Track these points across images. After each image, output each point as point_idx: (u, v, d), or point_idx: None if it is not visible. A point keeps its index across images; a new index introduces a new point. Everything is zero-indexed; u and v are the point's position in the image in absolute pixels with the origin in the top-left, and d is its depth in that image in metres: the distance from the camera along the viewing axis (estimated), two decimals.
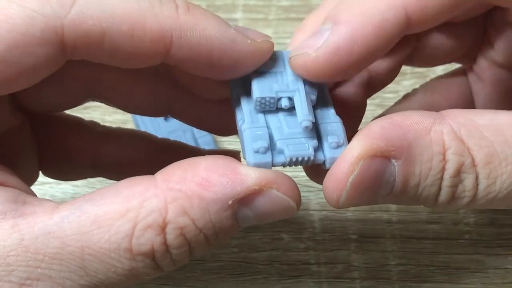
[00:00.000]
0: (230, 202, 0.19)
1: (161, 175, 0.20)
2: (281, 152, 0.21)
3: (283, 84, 0.21)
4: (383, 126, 0.20)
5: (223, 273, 0.31)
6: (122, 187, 0.20)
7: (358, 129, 0.22)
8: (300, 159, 0.21)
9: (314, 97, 0.22)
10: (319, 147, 0.21)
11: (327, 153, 0.21)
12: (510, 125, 0.20)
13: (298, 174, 0.29)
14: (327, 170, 0.20)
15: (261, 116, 0.21)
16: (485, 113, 0.20)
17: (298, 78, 0.22)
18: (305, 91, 0.21)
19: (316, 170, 0.22)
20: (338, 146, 0.21)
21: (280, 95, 0.21)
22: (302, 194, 0.33)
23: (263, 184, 0.19)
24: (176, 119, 0.27)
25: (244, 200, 0.19)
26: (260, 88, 0.21)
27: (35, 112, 0.26)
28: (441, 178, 0.20)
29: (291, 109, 0.21)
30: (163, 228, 0.19)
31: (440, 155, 0.19)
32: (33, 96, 0.25)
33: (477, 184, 0.20)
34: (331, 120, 0.22)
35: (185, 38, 0.21)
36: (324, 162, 0.21)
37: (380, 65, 0.26)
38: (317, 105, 0.22)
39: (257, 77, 0.22)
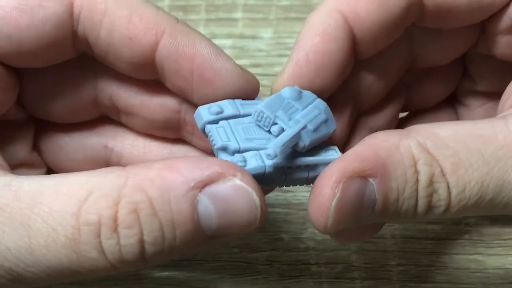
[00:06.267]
0: (192, 184, 0.19)
1: (130, 165, 0.20)
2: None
3: (286, 115, 0.22)
4: (355, 149, 0.21)
5: (223, 273, 0.31)
6: (94, 170, 0.20)
7: None
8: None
9: (303, 145, 0.22)
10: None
11: (223, 157, 0.21)
12: (472, 134, 0.21)
13: None
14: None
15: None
16: (448, 124, 0.21)
17: (302, 121, 0.22)
18: (299, 135, 0.22)
19: None
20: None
21: (277, 120, 0.22)
22: (302, 194, 0.33)
23: (227, 169, 0.19)
24: (187, 140, 0.27)
25: (207, 184, 0.19)
26: (268, 104, 0.22)
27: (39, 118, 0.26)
28: (417, 189, 0.20)
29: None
30: (116, 202, 0.18)
31: (412, 168, 0.20)
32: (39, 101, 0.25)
33: (450, 193, 0.20)
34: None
35: (174, 37, 0.23)
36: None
37: (380, 118, 0.28)
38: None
39: (278, 97, 0.23)
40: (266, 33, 0.40)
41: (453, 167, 0.20)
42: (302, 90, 0.23)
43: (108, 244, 0.19)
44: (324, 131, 0.23)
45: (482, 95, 0.29)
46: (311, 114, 0.22)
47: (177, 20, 0.23)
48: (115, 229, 0.18)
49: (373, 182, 0.20)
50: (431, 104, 0.30)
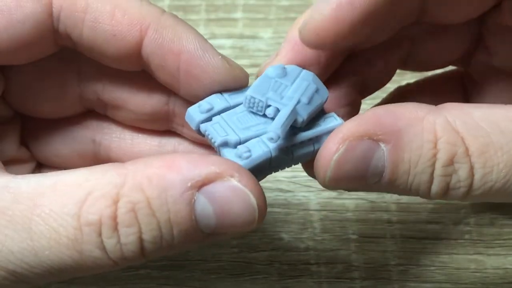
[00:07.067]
0: (189, 184, 0.19)
1: (130, 160, 0.20)
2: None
3: (277, 94, 0.22)
4: (376, 112, 0.20)
5: (223, 273, 0.31)
6: (93, 166, 0.20)
7: None
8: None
9: (301, 119, 0.22)
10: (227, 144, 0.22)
11: (226, 153, 0.21)
12: (506, 116, 0.20)
13: (298, 174, 0.29)
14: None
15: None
16: (481, 106, 0.21)
17: (295, 96, 0.22)
18: (296, 111, 0.21)
19: (311, 163, 0.22)
20: (245, 158, 0.21)
21: (270, 102, 0.22)
22: (302, 194, 0.33)
23: (225, 169, 0.19)
24: (177, 132, 0.26)
25: (204, 184, 0.19)
26: (256, 88, 0.22)
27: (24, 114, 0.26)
28: (433, 166, 0.20)
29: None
30: (115, 201, 0.18)
31: (430, 143, 0.20)
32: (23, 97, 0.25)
33: (473, 174, 0.20)
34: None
35: (160, 32, 0.22)
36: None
37: (374, 66, 0.26)
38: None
39: (263, 78, 0.22)
40: (266, 33, 0.40)
41: (483, 147, 0.19)
42: (286, 66, 0.23)
43: (109, 242, 0.19)
44: (318, 101, 0.22)
45: (497, 72, 0.28)
46: (301, 87, 0.22)
47: (163, 11, 0.23)
48: (115, 228, 0.19)
49: (384, 148, 0.20)
50: (433, 67, 0.29)
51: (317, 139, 0.22)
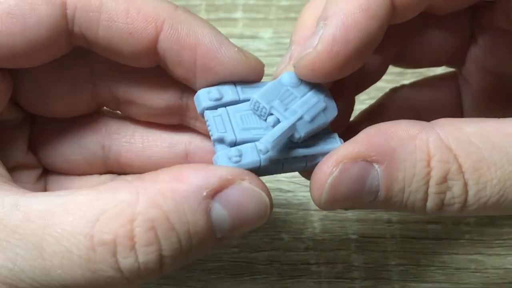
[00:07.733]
0: (204, 193, 0.19)
1: (136, 176, 0.20)
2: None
3: (283, 105, 0.22)
4: (369, 133, 0.20)
5: (223, 273, 0.31)
6: (101, 186, 0.20)
7: None
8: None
9: (298, 136, 0.21)
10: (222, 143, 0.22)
11: (219, 158, 0.21)
12: (498, 131, 0.20)
13: (299, 174, 0.29)
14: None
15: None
16: (474, 121, 0.21)
17: (299, 112, 0.22)
18: (294, 127, 0.21)
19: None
20: (235, 162, 0.21)
21: (272, 111, 0.22)
22: (302, 194, 0.33)
23: (235, 174, 0.20)
24: (190, 126, 0.26)
25: (218, 191, 0.19)
26: (264, 93, 0.22)
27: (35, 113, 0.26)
28: (427, 184, 0.20)
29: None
30: (131, 220, 0.18)
31: (423, 162, 0.20)
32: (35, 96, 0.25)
33: (467, 191, 0.20)
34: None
35: (175, 28, 0.22)
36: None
37: (367, 64, 0.26)
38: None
39: (276, 84, 0.22)
40: (266, 33, 0.40)
41: (475, 164, 0.20)
42: None
43: (126, 262, 0.19)
44: (322, 121, 0.22)
45: (490, 74, 0.28)
46: (309, 102, 0.22)
47: (176, 7, 0.23)
48: (132, 247, 0.19)
49: (378, 169, 0.20)
50: (426, 63, 0.29)
51: (312, 158, 0.22)
